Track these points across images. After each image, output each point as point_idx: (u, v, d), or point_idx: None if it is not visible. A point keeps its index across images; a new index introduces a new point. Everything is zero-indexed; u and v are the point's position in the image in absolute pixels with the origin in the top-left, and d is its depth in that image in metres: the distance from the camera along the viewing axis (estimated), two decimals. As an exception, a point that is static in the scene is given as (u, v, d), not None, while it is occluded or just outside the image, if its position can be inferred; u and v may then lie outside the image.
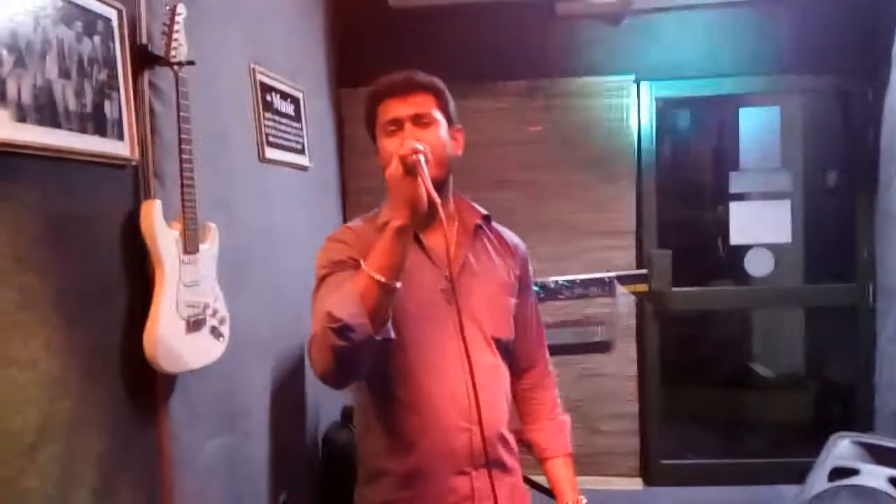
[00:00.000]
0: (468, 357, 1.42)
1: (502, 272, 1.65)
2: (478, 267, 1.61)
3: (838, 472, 2.51)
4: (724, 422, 4.41)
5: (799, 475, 2.67)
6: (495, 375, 1.59)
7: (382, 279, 1.32)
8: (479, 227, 1.65)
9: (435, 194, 1.35)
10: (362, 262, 1.36)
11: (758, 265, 3.71)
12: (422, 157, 1.35)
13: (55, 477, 1.42)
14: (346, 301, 1.33)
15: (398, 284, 1.35)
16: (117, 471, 1.63)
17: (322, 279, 1.49)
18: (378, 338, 1.35)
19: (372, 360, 1.41)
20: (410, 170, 1.34)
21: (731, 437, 4.31)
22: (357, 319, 1.31)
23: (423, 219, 1.37)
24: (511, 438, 1.64)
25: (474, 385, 1.42)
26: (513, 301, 1.66)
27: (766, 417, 4.51)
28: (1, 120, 1.31)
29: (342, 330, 1.30)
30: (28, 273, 1.39)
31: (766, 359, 4.72)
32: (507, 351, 1.64)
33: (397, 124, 1.52)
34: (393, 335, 1.41)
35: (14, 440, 1.33)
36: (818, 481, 2.52)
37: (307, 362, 1.52)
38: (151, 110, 1.82)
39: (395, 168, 1.34)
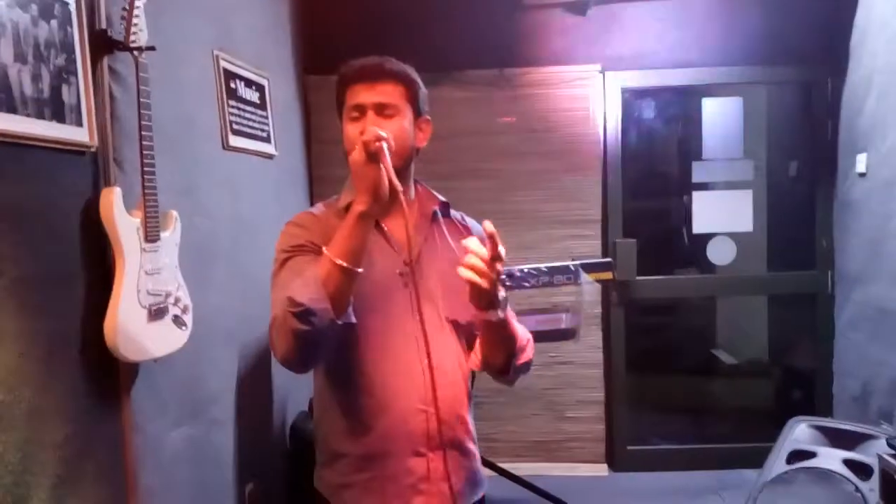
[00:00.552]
0: (425, 338, 1.43)
1: (459, 255, 1.65)
2: (435, 251, 1.62)
3: (796, 455, 2.57)
4: (688, 408, 4.49)
5: (761, 459, 2.73)
6: (452, 357, 1.59)
7: (344, 264, 1.34)
8: (436, 213, 1.66)
9: (397, 181, 1.37)
10: (324, 248, 1.37)
11: (720, 254, 3.77)
12: (385, 145, 1.36)
13: (14, 465, 1.41)
14: (308, 286, 1.34)
15: (360, 269, 1.37)
16: (80, 460, 1.62)
17: (282, 263, 1.49)
18: (339, 322, 1.36)
19: (332, 343, 1.41)
20: (373, 156, 1.35)
21: (696, 423, 4.39)
22: (319, 304, 1.32)
23: (384, 205, 1.38)
24: (472, 422, 1.65)
25: (431, 366, 1.43)
26: None
27: (729, 403, 4.60)
28: (-47, 104, 1.29)
29: (304, 314, 1.31)
30: (-17, 260, 1.37)
31: (729, 346, 4.80)
32: (464, 333, 1.65)
33: (360, 111, 1.52)
34: (354, 319, 1.42)
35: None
36: (777, 464, 2.59)
37: (274, 351, 1.52)
38: (111, 96, 1.79)
39: (358, 154, 1.36)
